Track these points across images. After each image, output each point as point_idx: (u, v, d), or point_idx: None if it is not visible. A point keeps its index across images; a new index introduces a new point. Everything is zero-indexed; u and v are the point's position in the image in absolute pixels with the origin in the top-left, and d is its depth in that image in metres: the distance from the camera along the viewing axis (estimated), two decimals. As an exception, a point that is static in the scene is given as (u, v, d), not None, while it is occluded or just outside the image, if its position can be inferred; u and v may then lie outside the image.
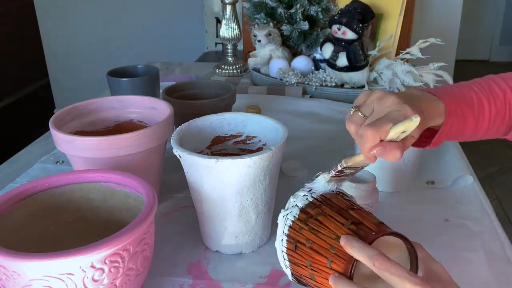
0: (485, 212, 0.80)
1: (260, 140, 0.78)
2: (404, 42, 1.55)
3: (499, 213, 2.19)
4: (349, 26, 1.21)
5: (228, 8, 1.49)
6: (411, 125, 0.52)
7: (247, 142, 0.79)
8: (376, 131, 0.53)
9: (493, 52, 4.37)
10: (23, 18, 2.82)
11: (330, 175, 0.56)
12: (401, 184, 0.86)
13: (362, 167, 0.58)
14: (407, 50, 1.22)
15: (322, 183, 0.57)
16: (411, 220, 0.79)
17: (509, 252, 0.70)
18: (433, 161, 0.97)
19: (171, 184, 0.88)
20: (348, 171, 0.57)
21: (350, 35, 1.23)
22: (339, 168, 0.56)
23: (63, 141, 0.73)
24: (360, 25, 1.22)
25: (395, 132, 0.53)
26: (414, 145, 0.63)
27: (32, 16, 2.53)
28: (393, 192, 0.86)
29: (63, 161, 1.00)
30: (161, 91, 1.02)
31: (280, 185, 0.74)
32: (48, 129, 0.78)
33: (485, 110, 0.64)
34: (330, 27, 1.26)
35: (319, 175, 0.58)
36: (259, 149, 0.77)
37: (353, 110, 0.57)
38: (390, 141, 0.54)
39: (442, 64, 1.18)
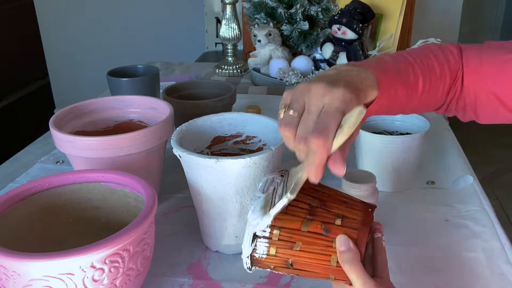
0: (485, 212, 0.80)
1: (260, 140, 0.78)
2: (404, 42, 1.56)
3: (499, 213, 2.18)
4: (349, 26, 1.22)
5: (228, 8, 1.49)
6: (358, 119, 0.46)
7: (247, 142, 0.79)
8: (325, 139, 0.45)
9: (493, 52, 4.36)
10: (23, 18, 2.81)
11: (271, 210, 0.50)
12: (401, 184, 0.86)
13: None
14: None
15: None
16: (411, 220, 0.79)
17: (509, 252, 0.70)
18: (433, 161, 0.97)
19: (171, 184, 0.88)
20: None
21: (350, 35, 1.23)
22: (285, 203, 0.48)
23: (63, 141, 0.73)
24: (360, 25, 1.22)
25: (342, 137, 0.45)
26: None
27: (32, 16, 2.53)
28: (393, 192, 0.86)
29: (63, 161, 1.00)
30: (161, 91, 1.02)
31: (280, 185, 0.74)
32: (48, 129, 0.78)
33: (418, 86, 0.58)
34: (330, 27, 1.26)
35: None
36: (259, 149, 0.77)
37: (283, 111, 0.49)
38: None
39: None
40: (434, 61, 0.60)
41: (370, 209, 0.51)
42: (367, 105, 0.52)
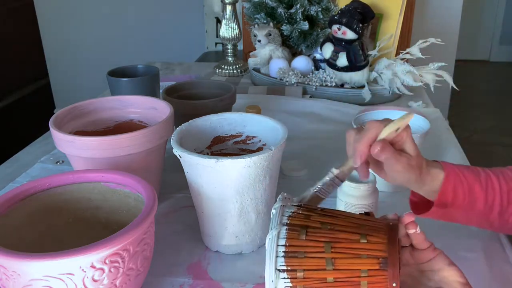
0: (485, 212, 0.80)
1: (260, 140, 0.78)
2: (404, 42, 1.56)
3: (499, 213, 2.18)
4: (349, 26, 1.21)
5: (228, 8, 1.49)
6: (406, 120, 0.56)
7: (247, 142, 0.79)
8: (376, 123, 0.57)
9: (493, 52, 4.37)
10: (23, 18, 2.81)
11: (314, 190, 0.58)
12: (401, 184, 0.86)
13: (338, 183, 0.59)
14: (407, 50, 1.22)
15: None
16: (411, 220, 0.79)
17: (509, 252, 0.70)
18: (433, 161, 0.96)
19: (171, 184, 0.88)
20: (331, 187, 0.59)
21: (350, 35, 1.22)
22: (328, 179, 0.58)
23: (63, 141, 0.73)
24: (360, 25, 1.22)
25: (392, 129, 0.56)
26: (419, 211, 0.64)
27: (32, 16, 2.53)
28: (393, 192, 0.86)
29: (63, 161, 1.00)
30: (161, 91, 1.02)
31: (280, 185, 0.74)
32: (48, 129, 0.78)
33: (494, 183, 0.60)
34: (330, 27, 1.26)
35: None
36: (259, 149, 0.77)
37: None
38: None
39: (442, 64, 1.18)
40: (505, 169, 0.62)
41: (391, 225, 0.52)
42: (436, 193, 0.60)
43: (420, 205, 0.65)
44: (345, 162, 0.59)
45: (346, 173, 0.59)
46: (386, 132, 0.56)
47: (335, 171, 0.59)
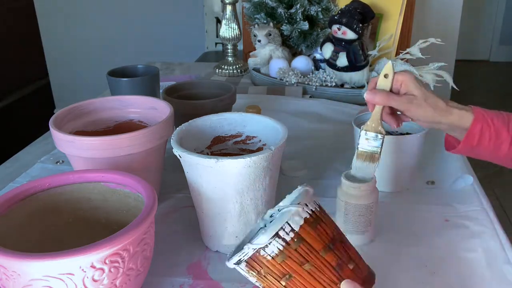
0: (485, 212, 0.80)
1: (260, 140, 0.78)
2: (404, 42, 1.56)
3: (499, 213, 2.18)
4: (349, 26, 1.21)
5: (228, 8, 1.49)
6: (387, 66, 0.67)
7: (247, 142, 0.79)
8: (374, 79, 0.69)
9: (493, 52, 4.37)
10: (23, 18, 2.81)
11: (357, 148, 0.69)
12: (401, 184, 0.86)
13: (379, 136, 0.68)
14: (407, 50, 1.22)
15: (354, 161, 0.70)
16: (411, 220, 0.79)
17: (509, 252, 0.70)
18: (433, 161, 0.97)
19: (171, 184, 0.88)
20: (371, 140, 0.69)
21: (350, 35, 1.22)
22: (361, 136, 0.69)
23: (63, 141, 0.73)
24: (360, 25, 1.22)
25: (380, 77, 0.68)
26: (448, 146, 0.73)
27: (32, 16, 2.53)
28: (393, 192, 0.86)
29: (63, 161, 1.00)
30: (161, 91, 1.02)
31: (280, 185, 0.74)
32: (48, 129, 0.78)
33: None
34: (330, 27, 1.26)
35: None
36: (259, 149, 0.77)
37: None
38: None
39: (442, 64, 1.18)
40: None
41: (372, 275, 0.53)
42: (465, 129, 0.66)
43: (453, 142, 0.73)
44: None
45: (374, 125, 0.68)
46: (378, 82, 0.68)
47: (363, 127, 0.69)
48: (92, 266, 0.51)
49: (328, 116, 1.20)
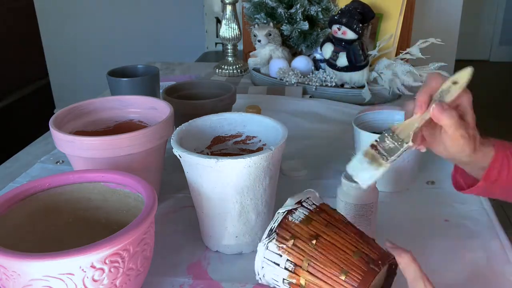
0: (485, 212, 0.80)
1: (260, 140, 0.78)
2: (404, 42, 1.56)
3: (499, 213, 2.18)
4: (349, 26, 1.21)
5: (228, 8, 1.49)
6: (465, 73, 0.55)
7: (247, 142, 0.79)
8: (438, 75, 0.56)
9: (493, 52, 4.37)
10: (23, 18, 2.81)
11: (370, 144, 0.57)
12: (401, 184, 0.86)
13: (402, 143, 0.56)
14: (407, 50, 1.22)
15: (355, 162, 0.59)
16: (411, 220, 0.79)
17: (509, 252, 0.70)
18: (433, 161, 0.97)
19: (171, 184, 0.88)
20: (389, 143, 0.57)
21: (350, 35, 1.22)
22: (384, 132, 0.57)
23: (63, 141, 0.73)
24: (360, 25, 1.22)
25: (451, 79, 0.55)
26: (461, 189, 0.66)
27: (32, 16, 2.53)
28: (393, 192, 0.86)
29: (63, 161, 1.00)
30: (161, 91, 1.02)
31: (280, 185, 0.74)
32: (48, 129, 0.78)
33: None
34: (330, 27, 1.26)
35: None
36: (259, 149, 0.77)
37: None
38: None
39: (442, 64, 1.18)
40: None
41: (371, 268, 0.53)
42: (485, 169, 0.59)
43: (461, 181, 0.67)
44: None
45: (405, 129, 0.57)
46: (445, 84, 0.55)
47: (392, 127, 0.57)
48: (92, 266, 0.51)
49: (328, 116, 1.20)
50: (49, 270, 0.50)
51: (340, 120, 1.17)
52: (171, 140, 0.69)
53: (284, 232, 0.55)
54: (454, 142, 0.56)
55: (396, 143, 0.56)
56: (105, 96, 0.91)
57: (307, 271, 0.53)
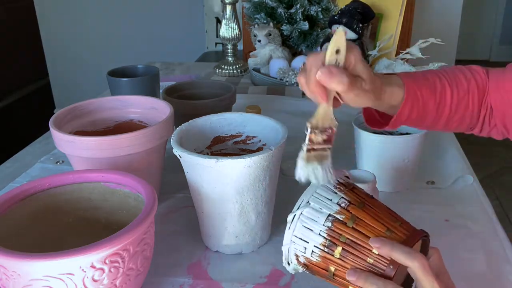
0: (485, 212, 0.80)
1: (260, 140, 0.78)
2: (404, 42, 1.56)
3: (499, 213, 2.19)
4: (349, 26, 1.21)
5: (228, 8, 1.49)
6: (338, 37, 0.51)
7: (247, 142, 0.79)
8: (315, 55, 0.53)
9: (493, 52, 4.37)
10: (23, 18, 2.81)
11: (305, 150, 0.54)
12: (401, 184, 0.86)
13: (331, 127, 0.55)
14: (407, 50, 1.22)
15: (304, 170, 0.54)
16: (411, 220, 0.79)
17: (509, 252, 0.70)
18: (433, 161, 0.97)
19: (171, 184, 0.88)
20: (320, 137, 0.54)
21: (350, 35, 1.23)
22: (308, 134, 0.53)
23: (63, 141, 0.73)
24: (360, 25, 1.22)
25: (330, 51, 0.52)
26: (374, 124, 0.65)
27: (32, 16, 2.53)
28: (393, 192, 0.86)
29: (63, 161, 1.00)
30: (161, 91, 1.02)
31: (280, 185, 0.74)
32: (48, 129, 0.78)
33: (447, 96, 0.61)
34: (330, 27, 1.26)
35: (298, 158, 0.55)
36: (259, 149, 0.77)
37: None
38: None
39: (442, 64, 1.18)
40: (461, 77, 0.63)
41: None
42: (396, 107, 0.59)
43: (372, 115, 0.66)
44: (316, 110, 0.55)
45: (324, 118, 0.55)
46: (327, 59, 0.52)
47: (308, 124, 0.54)
48: (92, 266, 0.51)
49: (328, 116, 1.20)
50: (49, 270, 0.50)
51: (340, 120, 1.16)
52: (171, 140, 0.69)
53: (343, 183, 0.55)
54: (352, 101, 0.56)
55: (328, 132, 0.55)
56: (105, 96, 0.91)
57: (362, 209, 0.52)
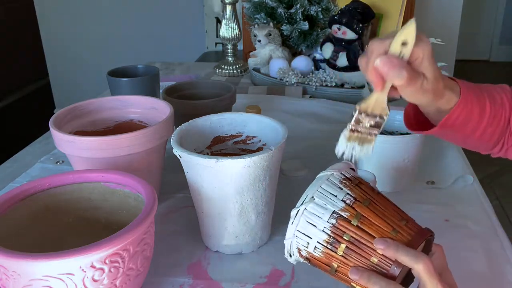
0: (485, 212, 0.80)
1: (260, 140, 0.78)
2: (404, 42, 1.55)
3: (499, 213, 2.18)
4: (349, 26, 1.22)
5: (228, 8, 1.49)
6: (409, 30, 0.50)
7: (247, 142, 0.79)
8: (380, 40, 0.51)
9: (493, 52, 4.37)
10: (23, 18, 2.81)
11: (349, 129, 0.55)
12: (401, 184, 0.86)
13: (382, 115, 0.54)
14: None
15: (343, 146, 0.55)
16: (411, 220, 0.79)
17: (509, 252, 0.70)
18: (433, 161, 0.97)
19: (171, 184, 0.88)
20: (367, 121, 0.54)
21: (350, 35, 1.23)
22: (355, 115, 0.54)
23: (63, 141, 0.73)
24: (360, 25, 1.22)
25: (396, 42, 0.50)
26: (417, 128, 0.63)
27: (32, 16, 2.53)
28: (393, 192, 0.86)
29: (63, 161, 1.00)
30: (161, 91, 1.02)
31: (280, 185, 0.74)
32: (48, 129, 0.78)
33: (486, 107, 0.60)
34: (330, 27, 1.26)
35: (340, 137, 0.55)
36: (259, 149, 0.77)
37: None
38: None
39: (442, 64, 1.18)
40: (494, 91, 0.63)
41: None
42: (444, 112, 0.57)
43: (413, 118, 0.65)
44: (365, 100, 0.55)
45: (375, 105, 0.54)
46: (392, 49, 0.51)
47: (357, 106, 0.55)
48: (92, 266, 0.51)
49: (328, 116, 1.20)
50: (49, 270, 0.50)
51: (340, 120, 1.17)
52: (171, 140, 0.69)
53: (349, 178, 0.55)
54: (408, 96, 0.55)
55: (376, 119, 0.55)
56: (105, 96, 0.91)
57: (367, 207, 0.52)
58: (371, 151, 0.56)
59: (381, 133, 0.86)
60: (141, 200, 0.61)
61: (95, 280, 0.52)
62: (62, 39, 2.56)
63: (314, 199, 0.53)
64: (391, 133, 0.88)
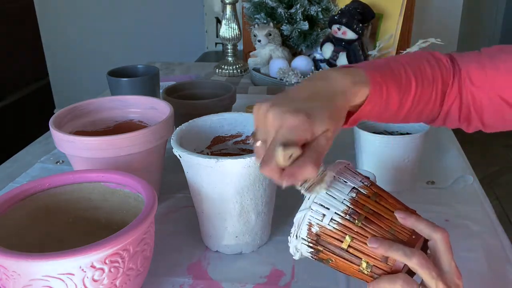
0: (485, 212, 0.80)
1: (260, 140, 0.78)
2: (404, 42, 1.56)
3: (499, 213, 2.19)
4: (349, 26, 1.22)
5: (228, 8, 1.49)
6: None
7: (247, 142, 0.79)
8: (267, 165, 0.46)
9: (493, 52, 4.36)
10: (23, 18, 2.81)
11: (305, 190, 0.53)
12: (401, 184, 0.86)
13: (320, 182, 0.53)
14: (407, 50, 1.22)
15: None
16: (411, 220, 0.79)
17: (509, 252, 0.70)
18: (433, 161, 0.97)
19: (171, 184, 0.88)
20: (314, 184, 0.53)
21: (350, 35, 1.23)
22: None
23: (63, 141, 0.73)
24: (360, 25, 1.23)
25: (282, 157, 0.46)
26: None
27: (32, 16, 2.53)
28: (393, 192, 0.86)
29: (63, 161, 1.00)
30: (161, 91, 1.02)
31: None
32: (48, 129, 0.78)
33: (411, 89, 0.56)
34: (330, 27, 1.26)
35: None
36: (259, 149, 0.77)
37: (251, 140, 0.51)
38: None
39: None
40: (426, 65, 0.59)
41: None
42: (359, 106, 0.53)
43: None
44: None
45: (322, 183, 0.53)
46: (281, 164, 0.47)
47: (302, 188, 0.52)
48: (92, 266, 0.51)
49: (328, 116, 1.20)
50: (49, 270, 0.50)
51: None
52: (171, 140, 0.69)
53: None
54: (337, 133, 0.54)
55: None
56: (105, 96, 0.91)
57: (375, 201, 0.52)
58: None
59: (381, 133, 0.87)
60: (141, 200, 0.61)
61: (95, 280, 0.52)
62: (62, 39, 2.56)
63: (335, 176, 0.54)
64: (391, 133, 0.88)
